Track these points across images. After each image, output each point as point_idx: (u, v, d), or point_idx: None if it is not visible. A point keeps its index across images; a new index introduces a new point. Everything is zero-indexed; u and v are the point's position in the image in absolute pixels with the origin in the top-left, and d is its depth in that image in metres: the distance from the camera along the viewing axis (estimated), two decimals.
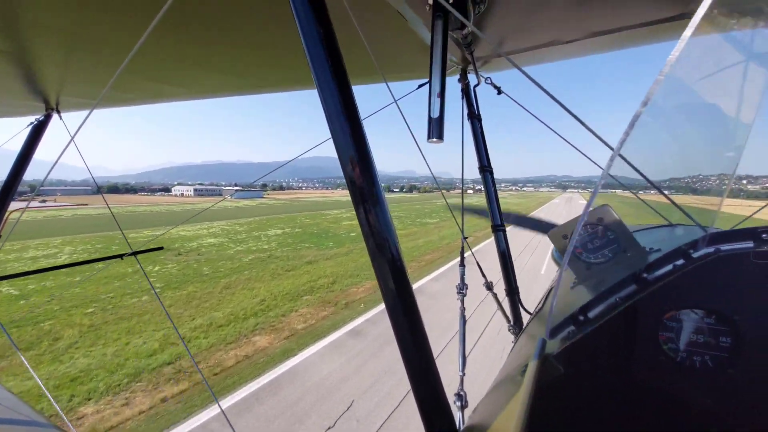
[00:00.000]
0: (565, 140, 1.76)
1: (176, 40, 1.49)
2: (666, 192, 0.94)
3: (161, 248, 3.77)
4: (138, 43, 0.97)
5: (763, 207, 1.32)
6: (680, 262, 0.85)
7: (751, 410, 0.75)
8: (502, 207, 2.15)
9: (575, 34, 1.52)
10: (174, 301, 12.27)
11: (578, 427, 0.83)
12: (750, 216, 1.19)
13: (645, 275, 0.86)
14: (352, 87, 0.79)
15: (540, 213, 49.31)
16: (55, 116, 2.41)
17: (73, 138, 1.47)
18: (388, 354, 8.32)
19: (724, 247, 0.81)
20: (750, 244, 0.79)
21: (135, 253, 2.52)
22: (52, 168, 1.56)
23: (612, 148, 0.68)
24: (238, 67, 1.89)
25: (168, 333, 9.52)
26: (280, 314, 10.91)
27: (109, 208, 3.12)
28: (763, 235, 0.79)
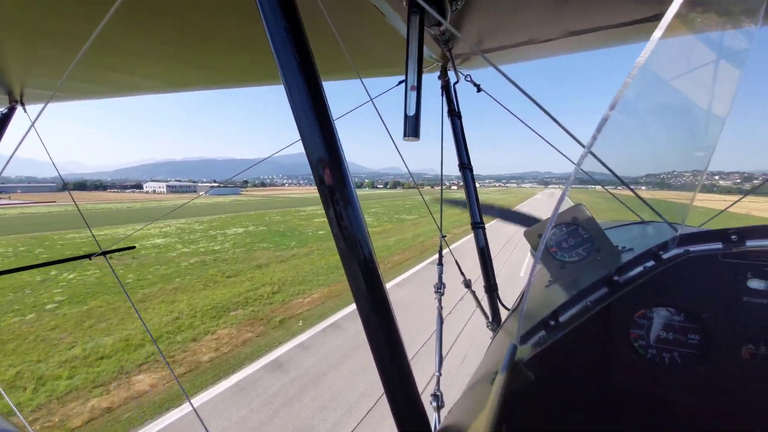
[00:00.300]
0: (542, 137, 1.78)
1: (143, 32, 1.45)
2: (638, 189, 0.96)
3: (133, 247, 3.37)
4: (94, 32, 0.95)
5: (729, 207, 1.42)
6: (650, 263, 0.85)
7: (718, 406, 0.76)
8: (484, 202, 2.19)
9: (552, 33, 1.54)
10: (63, 321, 9.69)
11: (555, 421, 0.83)
12: (719, 213, 1.29)
13: (616, 278, 0.86)
14: (322, 83, 0.75)
15: (522, 208, 48.59)
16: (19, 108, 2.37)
17: (32, 126, 1.45)
18: (310, 400, 6.09)
19: (694, 248, 0.84)
20: (719, 246, 0.82)
21: (104, 253, 2.40)
22: (7, 163, 1.62)
23: (583, 145, 0.69)
24: (208, 60, 1.85)
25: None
26: (191, 338, 8.51)
27: (76, 205, 2.86)
28: (732, 237, 0.81)
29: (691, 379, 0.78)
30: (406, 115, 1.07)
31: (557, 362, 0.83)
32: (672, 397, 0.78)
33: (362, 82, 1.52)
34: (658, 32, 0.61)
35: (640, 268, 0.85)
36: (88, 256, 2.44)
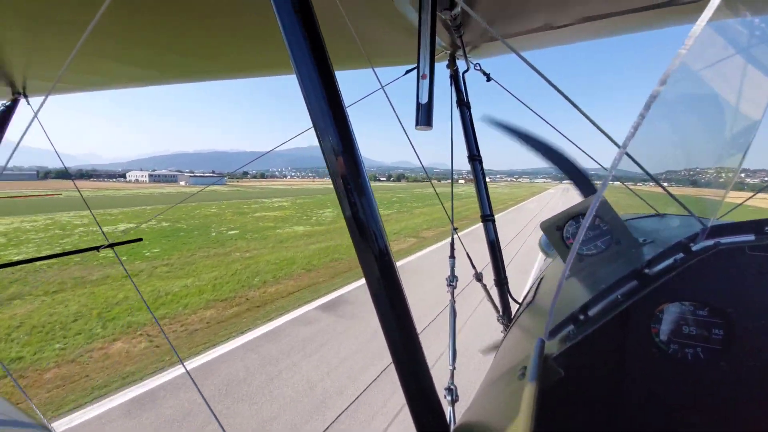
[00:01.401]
0: (554, 127, 1.74)
1: (145, 21, 1.42)
2: (664, 185, 0.93)
3: (140, 239, 3.29)
4: (92, 22, 0.92)
5: (749, 198, 1.34)
6: (680, 256, 0.81)
7: (741, 402, 0.75)
8: (490, 196, 2.12)
9: (567, 19, 1.49)
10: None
11: (579, 428, 0.83)
12: (739, 206, 1.22)
13: (646, 270, 0.81)
14: (334, 72, 0.73)
15: (531, 204, 42.02)
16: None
17: (35, 117, 1.39)
18: None
19: (724, 240, 0.81)
20: (751, 237, 0.79)
21: (112, 245, 2.35)
22: (11, 156, 1.54)
23: (618, 145, 0.68)
24: (214, 50, 1.82)
25: None
26: None
27: (81, 193, 2.97)
28: (766, 228, 0.78)
29: (714, 374, 0.77)
30: (418, 104, 1.07)
31: (586, 358, 0.82)
32: (694, 393, 0.78)
33: (374, 71, 1.54)
34: (706, 13, 0.55)
35: (670, 261, 0.81)
36: (96, 248, 2.38)
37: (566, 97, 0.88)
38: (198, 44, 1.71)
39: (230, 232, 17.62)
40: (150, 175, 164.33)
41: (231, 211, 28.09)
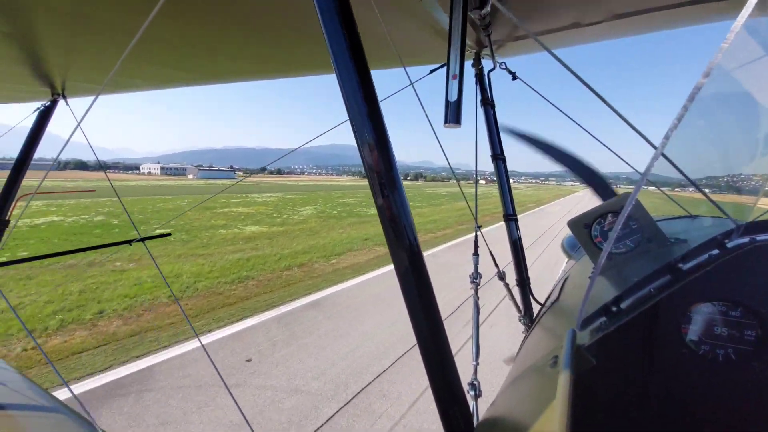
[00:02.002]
0: (585, 129, 1.73)
1: (184, 24, 1.42)
2: (699, 186, 0.92)
3: (169, 234, 3.36)
4: (142, 27, 0.93)
5: None
6: (715, 252, 0.81)
7: None
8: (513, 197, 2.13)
9: (597, 16, 1.43)
10: None
11: (608, 418, 0.82)
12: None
13: (680, 265, 0.80)
14: (370, 72, 0.76)
15: (555, 206, 38.85)
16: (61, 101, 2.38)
17: (78, 125, 1.40)
18: None
19: (760, 237, 0.80)
20: None
21: (143, 239, 2.42)
22: (56, 158, 1.60)
23: (654, 146, 0.65)
24: (249, 51, 1.83)
25: None
26: None
27: (116, 192, 2.75)
28: None
29: (745, 375, 0.76)
30: (447, 101, 1.06)
31: (617, 349, 0.82)
32: (725, 394, 0.77)
33: (405, 70, 1.55)
34: (745, 11, 0.53)
35: (705, 257, 0.81)
36: (129, 242, 2.45)
37: (601, 98, 0.87)
38: (236, 46, 1.72)
39: (158, 230, 13.92)
40: (162, 168, 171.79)
41: (201, 205, 24.70)
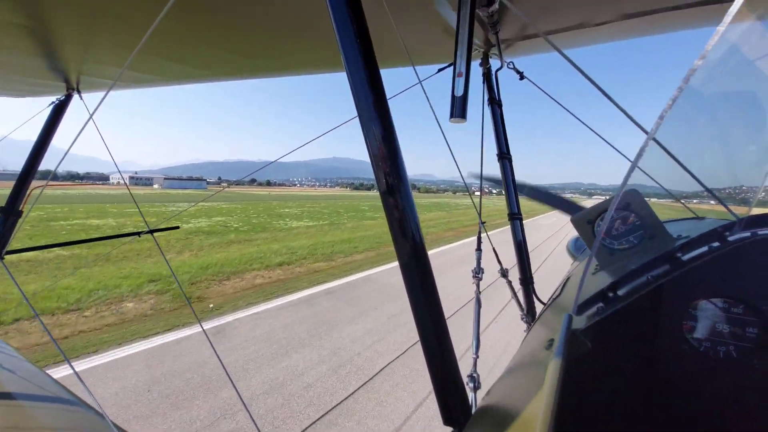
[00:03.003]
0: (592, 130, 1.76)
1: (197, 19, 1.42)
2: (698, 185, 0.91)
3: (177, 227, 3.74)
4: (155, 21, 0.94)
5: None
6: (715, 244, 0.81)
7: None
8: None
9: (606, 16, 1.42)
10: None
11: (602, 402, 0.83)
12: None
13: (679, 255, 0.81)
14: (380, 73, 0.77)
15: (548, 219, 36.34)
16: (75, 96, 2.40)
17: (90, 117, 1.34)
18: None
19: (762, 231, 0.79)
20: None
21: (152, 231, 2.47)
22: (71, 145, 1.47)
23: (645, 131, 0.65)
24: (261, 48, 1.85)
25: None
26: None
27: (128, 188, 3.20)
28: None
29: (746, 373, 0.76)
30: (453, 96, 1.06)
31: (613, 335, 0.81)
32: (725, 391, 0.77)
33: (414, 69, 1.56)
34: (728, 17, 0.53)
35: (704, 248, 0.80)
36: (138, 233, 2.51)
37: (608, 96, 0.87)
38: (248, 43, 1.73)
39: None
40: (131, 178, 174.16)
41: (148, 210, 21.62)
